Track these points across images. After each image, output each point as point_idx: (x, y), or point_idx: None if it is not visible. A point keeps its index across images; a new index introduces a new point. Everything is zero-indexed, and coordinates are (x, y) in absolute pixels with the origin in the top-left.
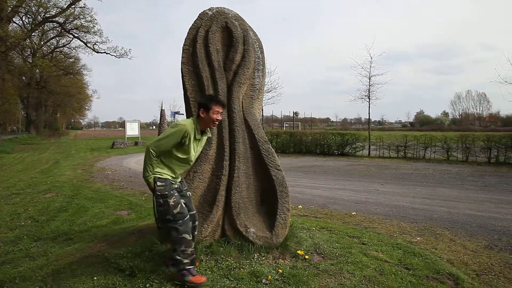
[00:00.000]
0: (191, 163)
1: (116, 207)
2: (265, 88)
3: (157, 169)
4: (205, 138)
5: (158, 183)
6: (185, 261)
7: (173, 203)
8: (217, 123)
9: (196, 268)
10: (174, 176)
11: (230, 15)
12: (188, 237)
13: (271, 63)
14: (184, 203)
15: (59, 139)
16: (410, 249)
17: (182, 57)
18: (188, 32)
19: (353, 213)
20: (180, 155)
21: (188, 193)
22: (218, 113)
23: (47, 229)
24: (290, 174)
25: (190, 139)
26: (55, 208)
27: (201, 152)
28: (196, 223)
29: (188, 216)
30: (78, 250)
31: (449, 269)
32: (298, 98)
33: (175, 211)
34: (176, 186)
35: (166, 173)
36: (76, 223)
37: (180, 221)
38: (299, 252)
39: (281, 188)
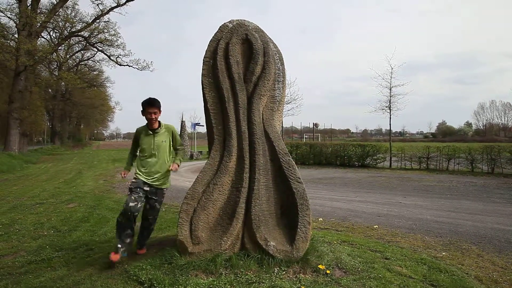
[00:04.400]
0: (155, 156)
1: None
2: (285, 100)
3: (136, 171)
4: (162, 134)
5: (133, 180)
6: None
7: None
8: (152, 121)
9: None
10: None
11: (250, 27)
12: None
13: (291, 75)
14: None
15: (82, 149)
16: (435, 264)
17: (202, 69)
18: (208, 45)
19: (375, 226)
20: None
21: (156, 204)
22: (150, 113)
23: (69, 239)
24: (310, 186)
25: (141, 137)
26: (77, 218)
27: (221, 164)
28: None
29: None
30: (98, 261)
31: (477, 286)
32: (318, 109)
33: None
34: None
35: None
36: (97, 234)
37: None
38: (320, 266)
39: (301, 201)
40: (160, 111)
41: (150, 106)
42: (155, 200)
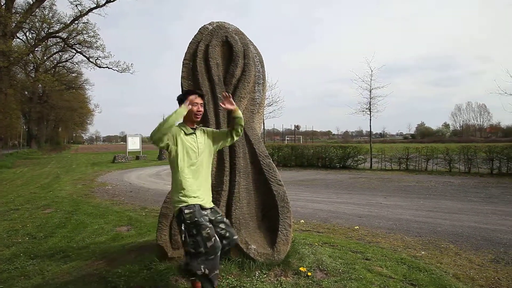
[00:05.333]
0: (201, 165)
1: (116, 223)
2: (266, 102)
3: (181, 197)
4: (201, 136)
5: (186, 211)
6: None
7: (206, 235)
8: (199, 115)
9: None
10: (200, 198)
11: (230, 30)
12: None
13: (272, 77)
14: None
15: (60, 153)
16: (414, 264)
17: (182, 71)
18: (188, 47)
19: (356, 227)
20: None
21: (224, 219)
22: (196, 104)
23: (44, 246)
24: (292, 187)
25: (180, 136)
26: (54, 224)
27: None
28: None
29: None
30: (75, 269)
31: (455, 284)
32: (300, 111)
33: (208, 244)
34: (205, 213)
35: (191, 199)
36: (74, 240)
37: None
38: (301, 268)
39: (282, 204)
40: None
41: (200, 95)
42: (220, 216)
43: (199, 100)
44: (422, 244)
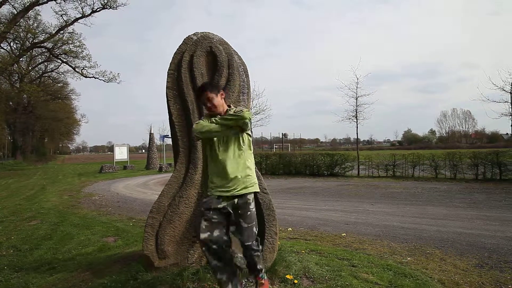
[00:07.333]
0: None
1: (103, 233)
2: (254, 110)
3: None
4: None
5: (204, 200)
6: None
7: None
8: (212, 110)
9: None
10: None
11: (214, 40)
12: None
13: (259, 85)
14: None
15: (46, 164)
16: (400, 270)
17: (167, 81)
18: (173, 57)
19: (343, 234)
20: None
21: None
22: (207, 100)
23: (29, 258)
24: (280, 195)
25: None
26: (39, 236)
27: (187, 176)
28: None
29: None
30: (60, 280)
31: None
32: (287, 119)
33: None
34: (221, 206)
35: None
36: (60, 251)
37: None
38: (288, 276)
39: (268, 212)
40: (219, 93)
41: (202, 91)
42: (239, 215)
43: (203, 96)
44: (408, 250)
